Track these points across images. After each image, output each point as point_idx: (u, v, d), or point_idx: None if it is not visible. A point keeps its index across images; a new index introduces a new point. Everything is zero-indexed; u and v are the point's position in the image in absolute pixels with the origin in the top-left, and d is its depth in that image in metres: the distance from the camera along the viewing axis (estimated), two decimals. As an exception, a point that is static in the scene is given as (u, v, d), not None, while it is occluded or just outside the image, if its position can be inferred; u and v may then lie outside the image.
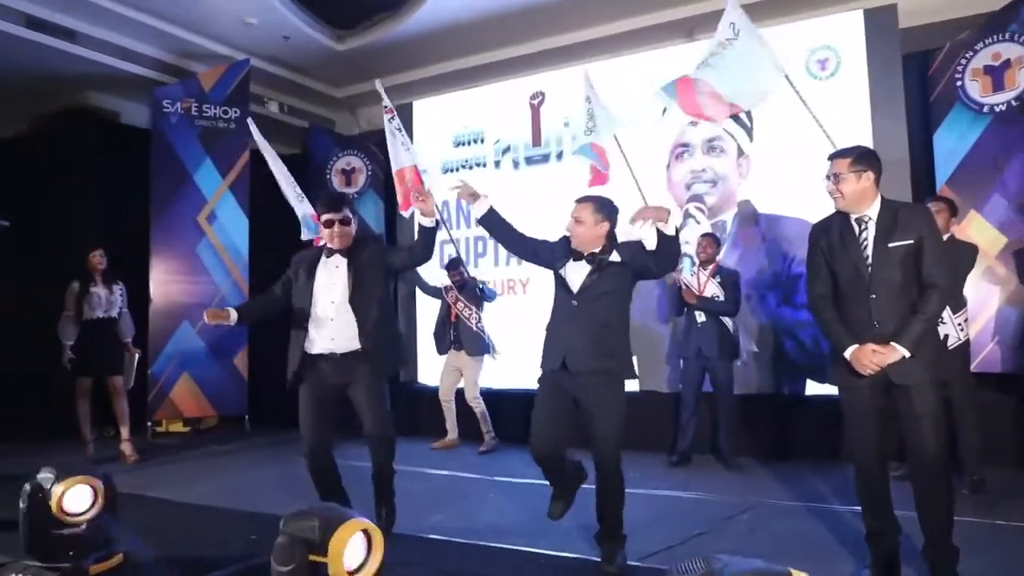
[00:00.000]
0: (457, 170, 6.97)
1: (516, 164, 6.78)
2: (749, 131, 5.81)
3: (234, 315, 3.34)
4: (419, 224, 3.42)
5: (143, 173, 6.85)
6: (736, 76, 4.69)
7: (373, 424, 3.40)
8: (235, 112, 7.03)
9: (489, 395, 6.19)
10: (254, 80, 7.30)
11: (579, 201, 3.11)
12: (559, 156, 6.56)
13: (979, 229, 5.07)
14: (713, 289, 5.14)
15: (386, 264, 3.50)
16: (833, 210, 2.93)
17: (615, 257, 3.05)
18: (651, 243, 3.07)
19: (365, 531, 1.61)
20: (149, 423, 6.66)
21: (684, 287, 5.13)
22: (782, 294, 5.62)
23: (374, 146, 7.75)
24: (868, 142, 5.38)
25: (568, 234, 3.10)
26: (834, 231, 2.86)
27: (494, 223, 3.22)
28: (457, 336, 6.06)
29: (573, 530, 3.39)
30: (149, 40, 6.76)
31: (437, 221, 3.45)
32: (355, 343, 3.33)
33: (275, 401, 7.38)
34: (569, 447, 3.09)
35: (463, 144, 7.03)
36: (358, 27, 7.23)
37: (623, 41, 6.50)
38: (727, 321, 5.14)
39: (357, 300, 3.34)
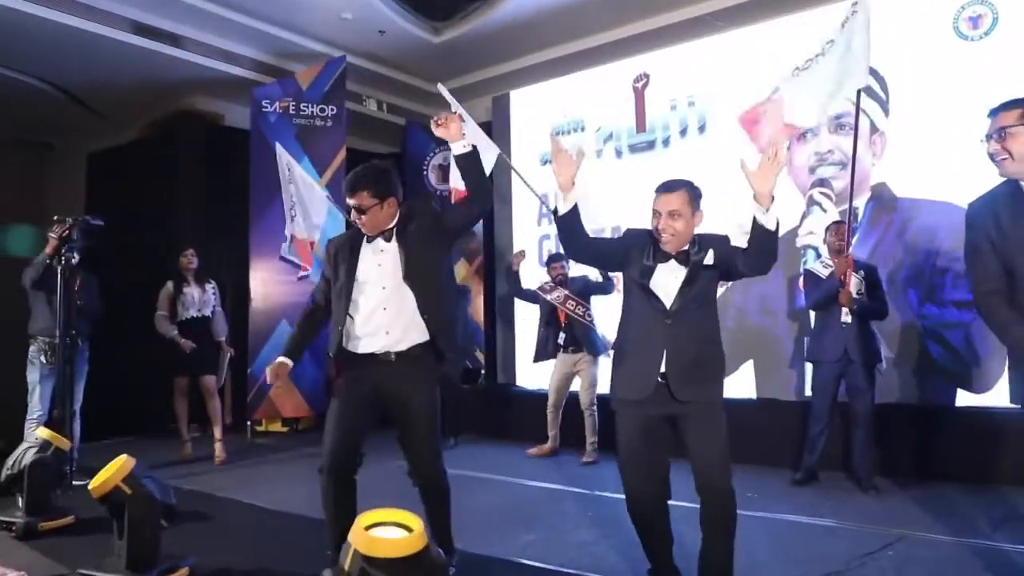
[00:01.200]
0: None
1: (619, 152, 6.33)
2: (884, 104, 5.11)
3: (288, 363, 2.85)
4: (453, 156, 2.78)
5: (245, 173, 6.91)
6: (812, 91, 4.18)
7: (427, 467, 2.78)
8: (332, 110, 6.96)
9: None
10: (351, 78, 7.22)
11: (667, 190, 2.51)
12: (666, 142, 6.06)
13: None
14: (856, 285, 4.46)
15: (441, 228, 2.84)
16: (995, 183, 2.29)
17: (708, 258, 2.49)
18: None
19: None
20: (249, 422, 6.68)
21: (841, 285, 4.34)
22: (925, 290, 4.88)
23: (470, 140, 7.52)
24: (1034, 111, 4.60)
25: (654, 231, 2.52)
26: (1001, 207, 2.21)
27: (573, 222, 2.57)
28: (572, 337, 5.58)
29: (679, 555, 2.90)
30: (249, 41, 6.83)
31: (473, 146, 2.74)
32: (415, 335, 2.73)
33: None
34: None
35: (562, 133, 6.64)
36: (453, 17, 7.01)
37: (736, 14, 5.90)
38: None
39: (412, 281, 2.73)
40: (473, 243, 7.41)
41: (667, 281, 2.51)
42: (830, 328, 4.53)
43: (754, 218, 2.38)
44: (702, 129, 5.88)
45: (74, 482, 4.13)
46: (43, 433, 3.16)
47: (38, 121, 8.13)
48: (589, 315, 5.59)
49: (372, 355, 2.73)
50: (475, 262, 7.46)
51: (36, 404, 4.71)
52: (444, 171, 7.54)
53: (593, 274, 5.62)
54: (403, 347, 2.73)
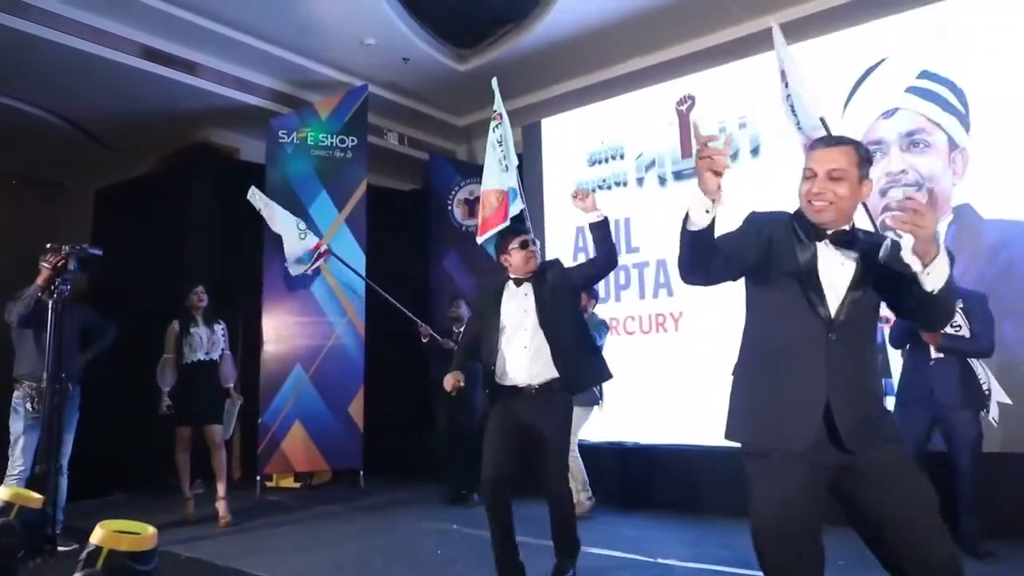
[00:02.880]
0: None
1: (662, 180, 5.85)
2: (963, 118, 4.61)
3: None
4: (588, 225, 3.20)
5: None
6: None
7: (554, 477, 3.16)
8: (352, 141, 6.55)
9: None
10: (373, 110, 6.83)
11: (828, 143, 1.91)
12: (714, 167, 5.57)
13: None
14: (956, 319, 3.87)
15: (570, 281, 3.26)
16: None
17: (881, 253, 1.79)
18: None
19: None
20: (258, 478, 6.08)
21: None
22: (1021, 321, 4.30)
23: (500, 172, 7.10)
24: None
25: (802, 199, 1.89)
26: None
27: (709, 239, 1.86)
28: None
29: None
30: (265, 69, 6.50)
31: (604, 216, 3.17)
32: (551, 371, 3.13)
33: (391, 453, 6.83)
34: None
35: (600, 162, 6.19)
36: (481, 44, 6.66)
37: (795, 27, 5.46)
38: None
39: (547, 323, 3.15)
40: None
41: (836, 278, 1.86)
42: (917, 367, 3.93)
43: (915, 276, 1.74)
44: (755, 152, 5.40)
45: (59, 547, 3.55)
46: (5, 493, 2.62)
47: (48, 157, 7.81)
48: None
49: (515, 387, 3.19)
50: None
51: (18, 457, 4.13)
52: (470, 205, 7.11)
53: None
54: (541, 380, 3.16)
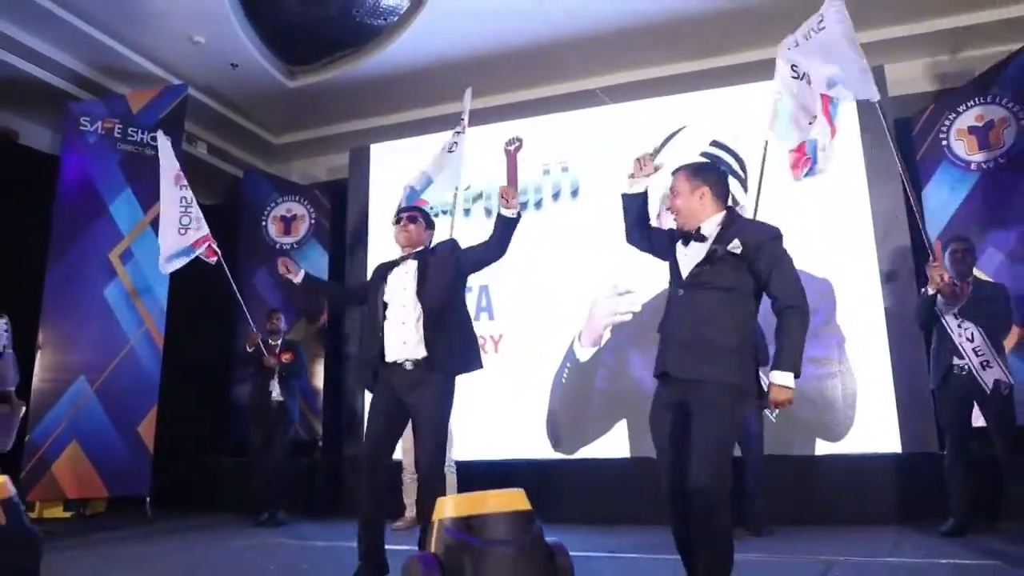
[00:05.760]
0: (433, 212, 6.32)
1: (488, 212, 6.26)
2: (743, 181, 5.65)
3: (302, 274, 3.47)
4: (500, 214, 3.23)
5: (41, 200, 5.74)
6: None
7: (427, 464, 3.12)
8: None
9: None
10: (187, 115, 6.45)
11: (672, 173, 2.70)
12: (538, 204, 6.13)
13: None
14: None
15: (456, 261, 3.31)
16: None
17: (734, 246, 2.50)
18: None
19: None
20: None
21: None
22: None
23: (319, 192, 7.06)
24: (865, 198, 5.38)
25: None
26: None
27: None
28: None
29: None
30: (70, 46, 5.81)
31: (519, 214, 3.23)
32: (422, 350, 3.12)
33: (185, 478, 6.23)
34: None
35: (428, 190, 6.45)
36: (313, 64, 6.67)
37: (622, 90, 6.27)
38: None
39: (424, 299, 3.17)
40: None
41: (682, 256, 2.61)
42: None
43: None
44: (575, 194, 6.05)
45: None
46: None
47: None
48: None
49: (395, 362, 3.18)
50: (317, 322, 6.80)
51: None
52: (286, 223, 6.94)
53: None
54: (417, 357, 3.16)
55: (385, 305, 3.25)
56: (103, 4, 5.45)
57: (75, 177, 5.74)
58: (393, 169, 6.64)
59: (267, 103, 6.92)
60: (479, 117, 6.61)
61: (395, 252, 3.41)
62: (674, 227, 2.70)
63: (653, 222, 2.84)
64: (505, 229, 3.24)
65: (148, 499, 5.60)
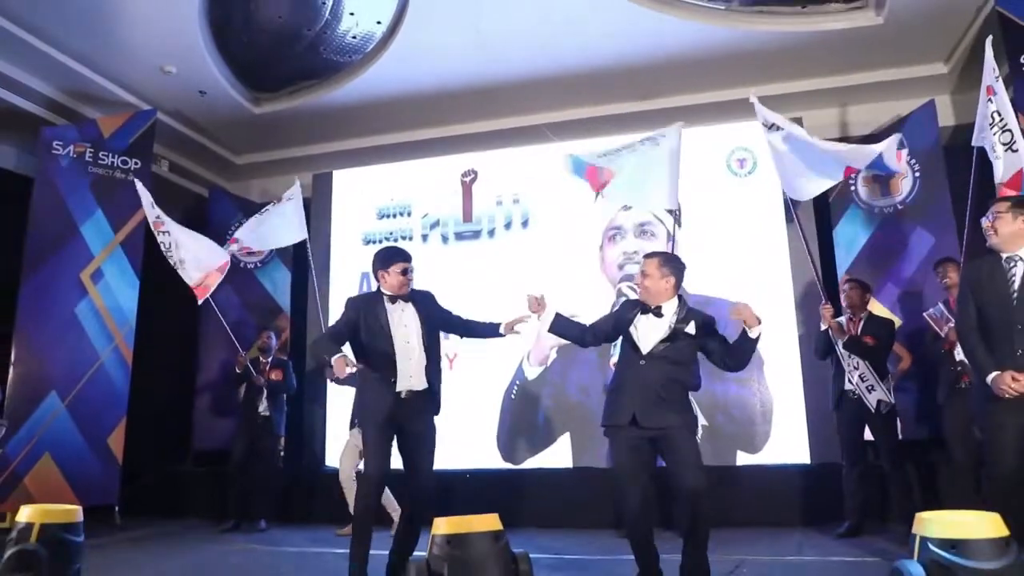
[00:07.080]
0: (380, 242, 6.75)
1: (445, 239, 6.73)
2: (677, 218, 6.24)
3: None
4: (502, 327, 3.83)
5: (15, 220, 5.95)
6: (633, 178, 4.89)
7: (427, 478, 3.61)
8: (135, 164, 6.38)
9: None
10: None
11: (647, 257, 3.39)
12: (491, 233, 6.61)
13: (876, 311, 5.73)
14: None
15: (443, 317, 3.81)
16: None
17: (690, 328, 3.27)
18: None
19: None
20: (-7, 517, 5.43)
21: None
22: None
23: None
24: (783, 233, 6.03)
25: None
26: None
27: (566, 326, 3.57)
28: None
29: None
30: (45, 73, 6.02)
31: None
32: (424, 382, 3.57)
33: (151, 488, 6.50)
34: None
35: (388, 216, 6.89)
36: (278, 92, 7.01)
37: (567, 128, 6.73)
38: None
39: (428, 340, 3.61)
40: (280, 317, 7.14)
41: (646, 330, 3.28)
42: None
43: (744, 331, 3.20)
44: (525, 224, 6.56)
45: None
46: None
47: None
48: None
49: (399, 393, 3.54)
50: (281, 337, 7.14)
51: None
52: (250, 241, 7.26)
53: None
54: (419, 388, 3.58)
55: (392, 337, 3.57)
56: (79, 34, 5.69)
57: (48, 199, 5.98)
58: (355, 195, 7.06)
59: (231, 126, 7.22)
60: (437, 148, 7.09)
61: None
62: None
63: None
64: (487, 334, 3.90)
65: (117, 508, 5.89)
